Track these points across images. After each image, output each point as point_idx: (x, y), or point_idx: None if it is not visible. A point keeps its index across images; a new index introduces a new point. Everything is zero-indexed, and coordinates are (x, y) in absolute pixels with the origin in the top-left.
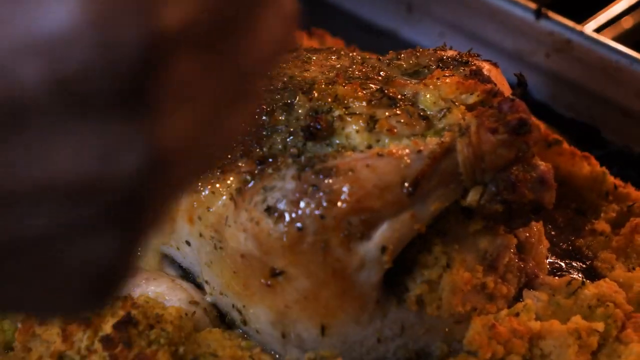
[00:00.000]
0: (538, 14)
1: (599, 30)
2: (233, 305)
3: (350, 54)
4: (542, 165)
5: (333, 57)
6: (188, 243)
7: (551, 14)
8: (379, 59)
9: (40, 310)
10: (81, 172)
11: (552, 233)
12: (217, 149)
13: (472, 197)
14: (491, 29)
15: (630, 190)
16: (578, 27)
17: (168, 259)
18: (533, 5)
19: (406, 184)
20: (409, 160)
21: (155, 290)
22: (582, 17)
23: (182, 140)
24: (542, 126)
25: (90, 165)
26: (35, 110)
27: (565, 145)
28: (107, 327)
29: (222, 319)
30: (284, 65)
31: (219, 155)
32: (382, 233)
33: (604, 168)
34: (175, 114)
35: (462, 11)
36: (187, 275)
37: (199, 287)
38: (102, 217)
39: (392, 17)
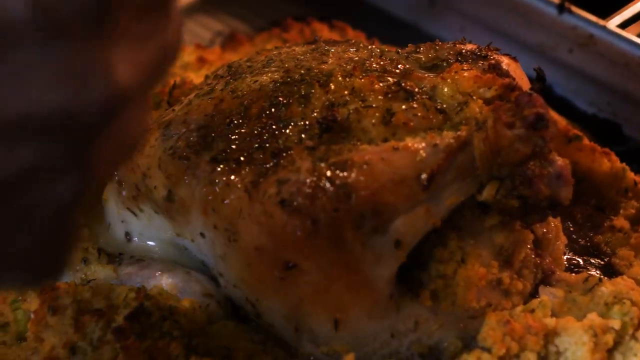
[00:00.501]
0: (561, 9)
1: (623, 25)
2: (247, 298)
3: (369, 47)
4: (560, 160)
5: (351, 50)
6: (202, 235)
7: (574, 9)
8: (398, 52)
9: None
10: (57, 101)
11: (571, 229)
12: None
13: (488, 192)
14: (513, 23)
15: None
16: (601, 22)
17: (182, 251)
18: (556, 0)
19: (421, 178)
20: (424, 154)
21: (169, 282)
22: (606, 12)
23: (133, 77)
24: (563, 122)
25: (65, 93)
26: (18, 36)
27: (586, 140)
28: (120, 319)
29: (235, 312)
30: (302, 57)
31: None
32: (396, 227)
33: (624, 164)
34: (130, 54)
35: (484, 5)
36: (201, 267)
37: (213, 279)
38: (68, 157)
39: (414, 11)
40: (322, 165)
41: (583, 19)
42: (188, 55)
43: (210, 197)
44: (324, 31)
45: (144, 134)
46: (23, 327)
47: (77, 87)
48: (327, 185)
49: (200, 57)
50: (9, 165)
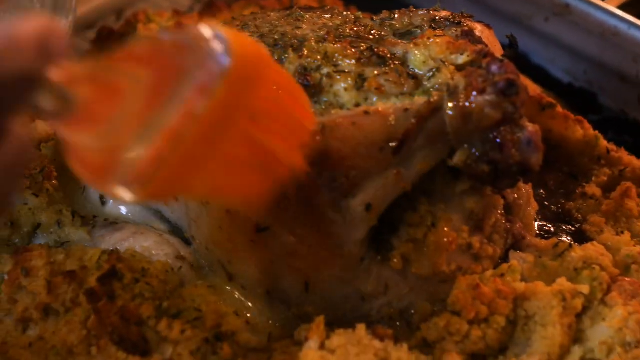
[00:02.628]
0: None
1: None
2: (219, 261)
3: (344, 13)
4: (530, 126)
5: (326, 16)
6: (176, 198)
7: None
8: (372, 19)
9: None
10: None
11: (543, 196)
12: None
13: (459, 157)
14: None
15: (623, 154)
16: None
17: (156, 214)
18: None
19: (392, 142)
20: (395, 119)
21: (142, 244)
22: None
23: None
24: (538, 90)
25: None
26: None
27: (559, 108)
28: (92, 280)
29: (206, 275)
30: (277, 22)
31: None
32: (367, 190)
33: (596, 132)
34: None
35: None
36: (175, 230)
37: (186, 242)
38: None
39: None
40: None
41: None
42: (166, 21)
43: None
44: None
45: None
46: None
47: None
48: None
49: (178, 23)
50: None
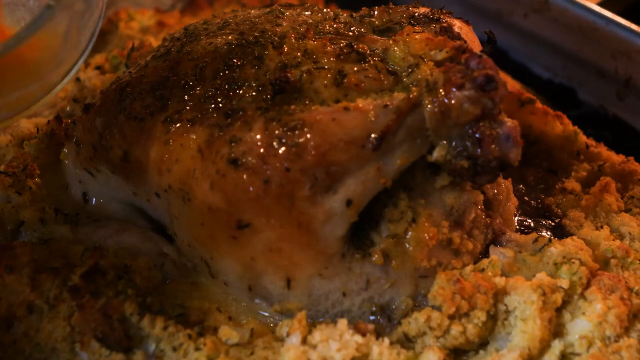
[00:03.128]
0: None
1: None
2: (201, 257)
3: (324, 10)
4: (509, 122)
5: (306, 13)
6: (158, 195)
7: None
8: (352, 16)
9: None
10: None
11: (523, 191)
12: None
13: (439, 153)
14: None
15: (602, 149)
16: None
17: (139, 211)
18: None
19: (372, 138)
20: (375, 115)
21: (126, 241)
22: None
23: None
24: (517, 86)
25: None
26: None
27: (538, 104)
28: (75, 277)
29: (189, 272)
30: (257, 20)
31: None
32: (347, 186)
33: (576, 127)
34: None
35: None
36: (157, 227)
37: (169, 239)
38: None
39: None
40: (274, 125)
41: None
42: (148, 19)
43: (164, 157)
44: None
45: None
46: None
47: None
48: (279, 144)
49: (159, 21)
50: None
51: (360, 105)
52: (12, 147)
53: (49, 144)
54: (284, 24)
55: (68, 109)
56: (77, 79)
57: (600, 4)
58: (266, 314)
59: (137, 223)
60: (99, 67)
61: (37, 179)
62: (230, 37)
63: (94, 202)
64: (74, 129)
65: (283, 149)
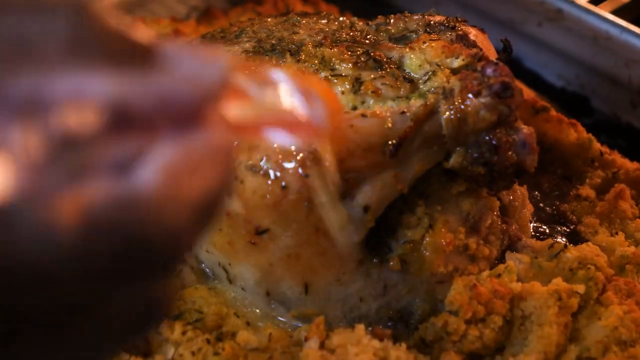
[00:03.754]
0: None
1: (596, 2)
2: (219, 263)
3: (340, 19)
4: (525, 128)
5: (322, 22)
6: None
7: None
8: (368, 24)
9: None
10: None
11: (538, 198)
12: None
13: (455, 159)
14: None
15: (616, 157)
16: None
17: None
18: None
19: (389, 145)
20: (392, 122)
21: None
22: None
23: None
24: (531, 94)
25: None
26: None
27: (553, 112)
28: None
29: (206, 277)
30: (274, 28)
31: None
32: (364, 192)
33: (590, 135)
34: None
35: None
36: None
37: None
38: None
39: None
40: None
41: None
42: (163, 28)
43: None
44: (297, 5)
45: None
46: None
47: None
48: (297, 150)
49: (175, 30)
50: None
51: (378, 112)
52: None
53: None
54: (301, 32)
55: None
56: None
57: (613, 12)
58: (283, 320)
59: None
60: None
61: None
62: (247, 45)
63: None
64: None
65: (301, 154)
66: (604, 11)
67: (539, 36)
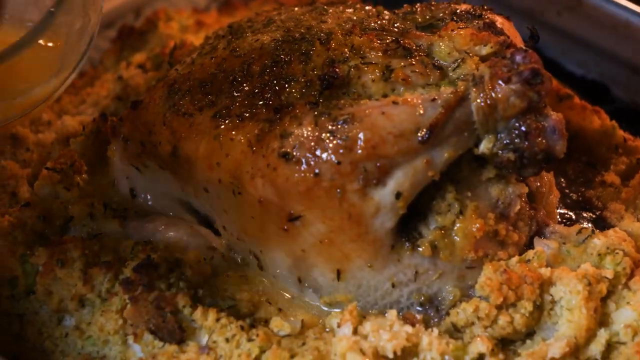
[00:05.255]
0: None
1: None
2: (250, 250)
3: (366, 7)
4: (554, 115)
5: (349, 10)
6: (206, 190)
7: None
8: (394, 12)
9: None
10: None
11: (563, 185)
12: None
13: (486, 146)
14: None
15: None
16: None
17: (186, 206)
18: None
19: (421, 132)
20: (423, 109)
21: (175, 235)
22: None
23: None
24: (554, 82)
25: None
26: None
27: (576, 99)
28: (128, 270)
29: (238, 264)
30: (302, 17)
31: None
32: (396, 179)
33: (614, 122)
34: None
35: None
36: (205, 221)
37: (216, 233)
38: None
39: None
40: (324, 119)
41: None
42: (186, 19)
43: (214, 152)
44: None
45: None
46: (31, 281)
47: None
48: (330, 138)
49: (198, 21)
50: None
51: (409, 99)
52: (58, 145)
53: (94, 141)
54: (329, 20)
55: (112, 107)
56: (120, 77)
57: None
58: (315, 305)
59: (184, 217)
60: (141, 66)
61: (84, 175)
62: (276, 34)
63: (141, 197)
64: (122, 126)
65: (334, 142)
66: (623, 0)
67: (558, 25)
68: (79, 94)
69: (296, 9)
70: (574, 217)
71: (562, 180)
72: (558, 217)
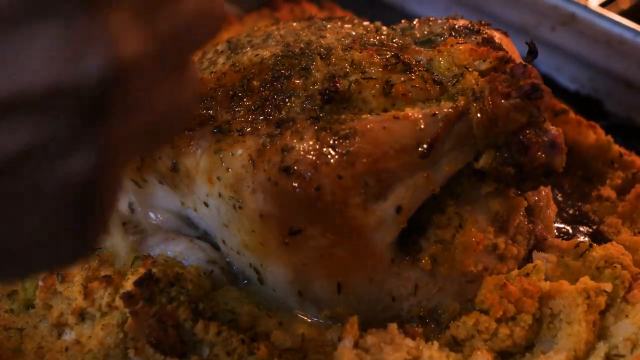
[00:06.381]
0: None
1: (604, 4)
2: (250, 264)
3: (364, 23)
4: (553, 129)
5: (348, 26)
6: (206, 204)
7: None
8: (393, 28)
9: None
10: (50, 75)
11: (560, 199)
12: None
13: (485, 160)
14: (497, 2)
15: (635, 158)
16: (582, 0)
17: (185, 220)
18: None
19: (422, 146)
20: (424, 123)
21: (174, 249)
22: None
23: (140, 48)
24: None
25: (58, 68)
26: (2, 20)
27: (572, 114)
28: (128, 284)
29: (237, 278)
30: (301, 32)
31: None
32: (397, 193)
33: (609, 136)
34: (133, 26)
35: None
36: (204, 235)
37: (215, 247)
38: (75, 131)
39: None
40: (325, 133)
41: None
42: None
43: (215, 166)
44: (313, 10)
45: (182, 113)
46: (31, 295)
47: (70, 61)
48: (331, 152)
49: None
50: (8, 145)
51: (410, 114)
52: None
53: None
54: (328, 36)
55: None
56: None
57: (621, 14)
58: (315, 320)
59: (183, 231)
60: None
61: None
62: (276, 49)
63: (139, 211)
64: None
65: (335, 156)
66: (617, 15)
67: (552, 40)
68: None
69: (295, 24)
70: (571, 231)
71: (559, 194)
72: (555, 231)
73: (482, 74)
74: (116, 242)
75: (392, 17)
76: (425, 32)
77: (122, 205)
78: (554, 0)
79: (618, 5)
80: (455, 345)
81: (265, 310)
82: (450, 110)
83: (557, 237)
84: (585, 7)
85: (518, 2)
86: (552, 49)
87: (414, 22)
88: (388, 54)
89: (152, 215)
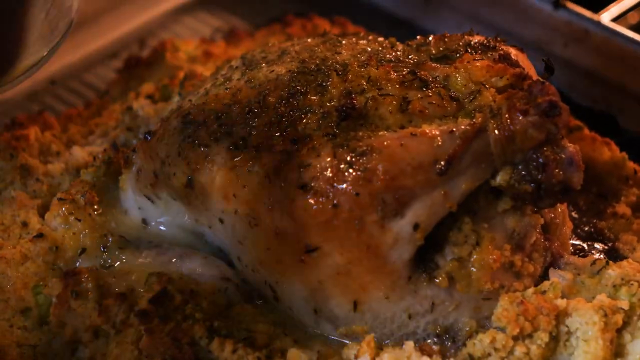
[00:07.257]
0: (556, 4)
1: (616, 19)
2: (265, 282)
3: (378, 39)
4: (571, 147)
5: (363, 42)
6: (221, 221)
7: (569, 4)
8: (408, 44)
9: None
10: None
11: (575, 216)
12: None
13: (503, 177)
14: (509, 19)
15: None
16: (595, 17)
17: (199, 237)
18: None
19: (439, 164)
20: (441, 140)
21: (189, 266)
22: (599, 6)
23: None
24: None
25: None
26: None
27: (586, 131)
28: (143, 302)
29: (252, 296)
30: (316, 48)
31: None
32: (414, 211)
33: (624, 153)
34: None
35: (480, 1)
36: (218, 252)
37: (230, 264)
38: None
39: (410, 8)
40: (342, 150)
41: (577, 14)
42: (194, 49)
43: (231, 183)
44: (325, 26)
45: None
46: (45, 312)
47: None
48: (348, 169)
49: (205, 51)
50: None
51: (427, 131)
52: (67, 176)
53: (106, 172)
54: (344, 52)
55: (121, 137)
56: (129, 108)
57: (631, 28)
58: (331, 337)
59: (197, 248)
60: (150, 97)
61: (97, 206)
62: (291, 65)
63: (153, 227)
64: (134, 156)
65: (352, 173)
66: (631, 32)
67: (565, 56)
68: (87, 125)
69: (309, 40)
70: (586, 247)
71: (574, 211)
72: (571, 248)
73: (499, 90)
74: (130, 258)
75: (404, 33)
76: (441, 48)
77: (136, 221)
78: (567, 17)
79: (627, 20)
80: None
81: (281, 328)
82: (467, 127)
83: (573, 253)
84: (599, 23)
85: (531, 18)
86: (565, 65)
87: (430, 38)
88: (405, 71)
89: (165, 231)
